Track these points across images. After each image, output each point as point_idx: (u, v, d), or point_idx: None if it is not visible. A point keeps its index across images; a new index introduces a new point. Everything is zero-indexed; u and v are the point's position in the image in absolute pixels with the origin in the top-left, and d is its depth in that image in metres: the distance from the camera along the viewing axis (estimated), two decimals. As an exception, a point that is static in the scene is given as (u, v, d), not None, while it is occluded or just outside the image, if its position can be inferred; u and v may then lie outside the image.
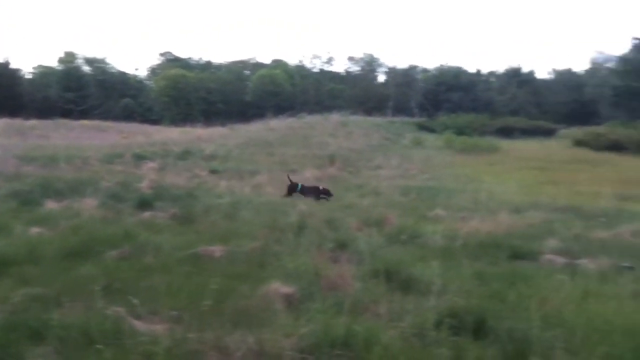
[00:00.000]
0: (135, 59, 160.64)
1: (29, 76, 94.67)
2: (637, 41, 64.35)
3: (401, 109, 78.70)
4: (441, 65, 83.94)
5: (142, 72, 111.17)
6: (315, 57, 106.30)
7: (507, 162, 31.22)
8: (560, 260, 8.63)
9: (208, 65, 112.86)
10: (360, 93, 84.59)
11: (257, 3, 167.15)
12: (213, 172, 20.40)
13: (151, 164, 20.77)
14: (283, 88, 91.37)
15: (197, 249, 7.89)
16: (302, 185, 17.09)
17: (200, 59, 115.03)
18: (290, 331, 4.74)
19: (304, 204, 12.55)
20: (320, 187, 17.13)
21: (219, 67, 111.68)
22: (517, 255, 8.88)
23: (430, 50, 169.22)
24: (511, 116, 60.60)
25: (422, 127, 54.65)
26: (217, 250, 7.89)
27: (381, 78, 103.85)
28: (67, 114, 68.86)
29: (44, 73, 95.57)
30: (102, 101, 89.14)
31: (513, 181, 22.35)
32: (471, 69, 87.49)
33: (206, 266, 7.22)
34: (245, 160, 24.73)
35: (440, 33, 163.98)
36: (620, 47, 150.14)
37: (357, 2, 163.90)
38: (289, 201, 13.22)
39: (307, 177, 20.69)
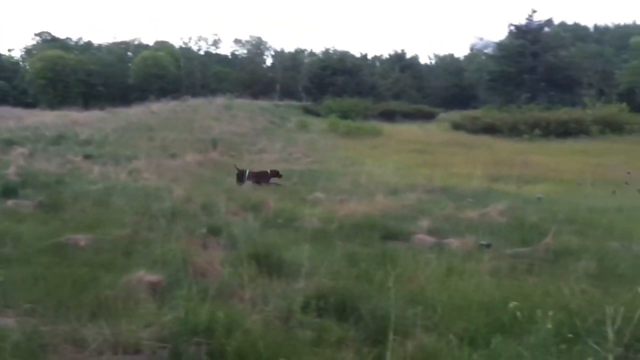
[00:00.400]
0: (9, 39, 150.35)
1: None
2: (513, 27, 67.48)
3: (289, 93, 78.92)
4: (327, 49, 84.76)
5: (17, 53, 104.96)
6: (201, 39, 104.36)
7: (388, 145, 32.00)
8: (430, 239, 8.92)
9: (88, 46, 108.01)
10: (247, 76, 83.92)
11: None
12: (87, 157, 19.56)
13: (20, 150, 19.61)
14: (167, 70, 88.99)
15: (62, 238, 7.52)
16: (250, 172, 16.83)
17: (80, 39, 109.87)
18: (151, 320, 4.60)
19: (180, 188, 12.18)
20: (269, 171, 17.03)
21: (99, 48, 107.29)
22: (389, 235, 9.10)
23: (318, 34, 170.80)
24: (394, 100, 62.11)
25: (307, 111, 55.05)
26: (82, 239, 7.55)
27: (269, 61, 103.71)
28: None
29: None
30: None
31: (393, 164, 22.85)
32: (357, 53, 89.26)
33: (70, 256, 6.90)
34: (124, 145, 23.87)
35: (328, 17, 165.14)
36: (499, 34, 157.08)
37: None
38: (164, 186, 12.79)
39: (187, 161, 20.28)
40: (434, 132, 41.85)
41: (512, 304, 4.61)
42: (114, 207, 9.62)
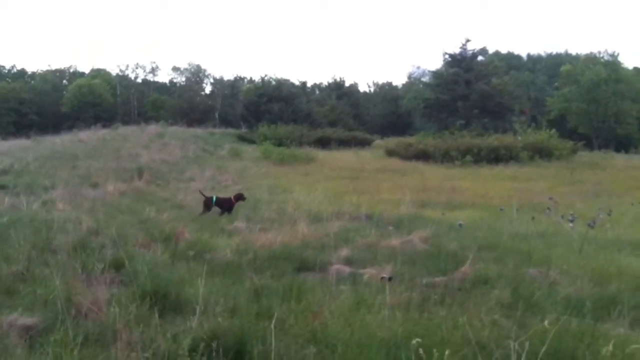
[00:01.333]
0: None
1: None
2: (447, 56, 68.90)
3: (227, 121, 78.48)
4: (263, 77, 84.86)
5: None
6: (139, 66, 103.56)
7: (320, 172, 31.84)
8: (347, 270, 8.59)
9: (22, 73, 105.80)
10: (184, 104, 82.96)
11: (76, 8, 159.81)
12: (1, 187, 18.59)
13: None
14: (103, 99, 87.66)
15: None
16: (217, 198, 16.22)
17: (14, 66, 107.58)
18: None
19: (91, 219, 11.53)
20: (233, 197, 16.41)
21: (33, 76, 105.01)
22: (305, 266, 8.74)
23: (258, 62, 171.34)
24: (330, 127, 62.22)
25: (242, 139, 54.66)
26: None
27: (208, 89, 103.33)
28: None
29: None
30: None
31: (322, 191, 22.58)
32: (297, 81, 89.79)
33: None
34: (44, 175, 22.86)
35: (269, 45, 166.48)
36: (436, 62, 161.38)
37: (185, 13, 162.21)
38: (76, 217, 12.11)
39: (109, 191, 19.49)
40: (368, 158, 41.94)
41: (415, 341, 4.30)
42: (12, 241, 8.92)
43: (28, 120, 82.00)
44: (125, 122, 60.14)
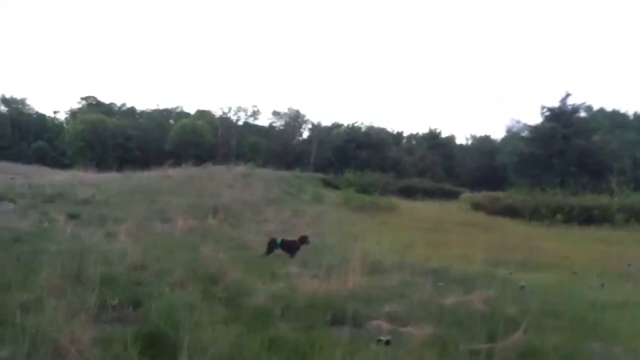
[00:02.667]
0: (56, 102, 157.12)
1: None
2: (546, 110, 66.83)
3: (320, 166, 78.97)
4: (354, 123, 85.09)
5: (62, 116, 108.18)
6: (241, 109, 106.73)
7: (399, 222, 31.02)
8: (387, 326, 7.91)
9: (131, 111, 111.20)
10: (279, 148, 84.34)
11: (185, 52, 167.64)
12: (73, 217, 18.93)
13: (3, 206, 19.06)
14: (204, 139, 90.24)
15: None
16: (282, 240, 15.87)
17: (124, 104, 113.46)
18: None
19: (140, 253, 11.31)
20: (297, 239, 15.99)
21: (142, 114, 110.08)
22: (342, 319, 8.10)
23: (357, 109, 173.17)
24: (418, 177, 61.28)
25: (327, 184, 54.53)
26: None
27: (306, 134, 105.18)
28: None
29: None
30: (14, 143, 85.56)
31: (396, 241, 21.98)
32: (392, 129, 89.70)
33: None
34: (120, 207, 23.25)
35: (370, 93, 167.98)
36: (536, 117, 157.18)
37: (286, 57, 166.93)
38: (129, 249, 11.92)
39: (178, 226, 19.54)
40: (452, 211, 40.73)
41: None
42: (44, 269, 8.76)
43: (132, 156, 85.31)
44: (224, 163, 61.11)
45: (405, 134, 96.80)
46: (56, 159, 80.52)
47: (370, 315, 8.44)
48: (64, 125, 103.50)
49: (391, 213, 35.39)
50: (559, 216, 36.97)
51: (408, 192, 50.86)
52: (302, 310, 8.20)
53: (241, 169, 52.88)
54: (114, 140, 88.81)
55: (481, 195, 48.23)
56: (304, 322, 7.60)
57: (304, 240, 16.03)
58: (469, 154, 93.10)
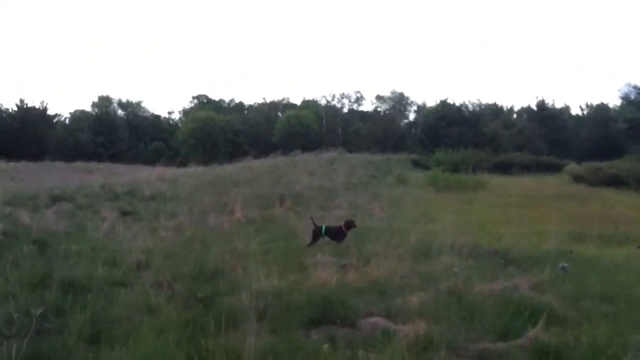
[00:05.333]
0: (170, 102, 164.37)
1: (66, 121, 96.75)
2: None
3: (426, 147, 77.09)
4: (444, 100, 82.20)
5: (176, 115, 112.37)
6: (345, 96, 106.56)
7: (486, 200, 29.02)
8: (383, 324, 6.66)
9: (239, 106, 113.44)
10: (380, 132, 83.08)
11: (288, 44, 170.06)
12: (126, 214, 18.59)
13: (59, 207, 18.93)
14: (310, 128, 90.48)
15: None
16: (327, 228, 14.78)
17: (232, 100, 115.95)
18: None
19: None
20: (343, 225, 14.76)
21: (250, 108, 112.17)
22: (333, 319, 6.93)
23: (463, 86, 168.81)
24: (515, 152, 58.17)
25: (417, 164, 52.70)
26: None
27: (412, 117, 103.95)
28: (96, 157, 68.84)
29: (77, 117, 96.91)
30: (132, 144, 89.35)
31: (473, 220, 20.41)
32: (493, 103, 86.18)
33: None
34: (186, 201, 22.88)
35: (475, 69, 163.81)
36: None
37: (390, 42, 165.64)
38: (141, 247, 11.19)
39: (235, 217, 18.87)
40: (549, 184, 38.08)
41: None
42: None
43: (242, 151, 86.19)
44: (330, 151, 60.40)
45: (515, 108, 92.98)
46: (171, 157, 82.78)
47: (372, 312, 7.18)
48: (178, 124, 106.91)
49: (479, 191, 33.30)
50: (670, 184, 33.70)
51: (503, 168, 48.30)
52: (290, 309, 7.09)
53: (329, 155, 52.10)
54: (223, 136, 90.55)
55: (583, 167, 44.92)
56: (282, 324, 6.50)
57: (349, 225, 14.77)
58: (583, 125, 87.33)
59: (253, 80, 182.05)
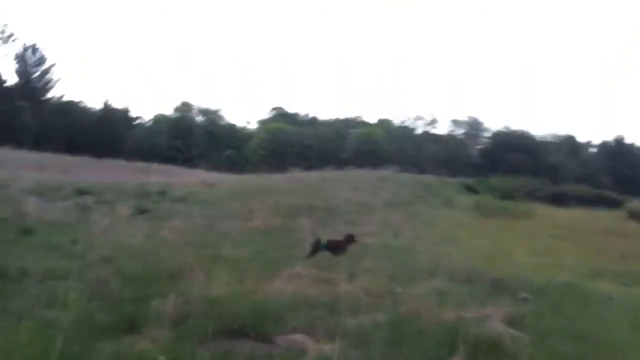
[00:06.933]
0: (249, 113, 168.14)
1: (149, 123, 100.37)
2: None
3: (481, 170, 75.51)
4: (506, 127, 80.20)
5: (253, 126, 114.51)
6: (419, 118, 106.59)
7: (526, 229, 27.85)
8: (300, 342, 6.20)
9: (313, 121, 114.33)
10: (445, 155, 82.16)
11: (360, 62, 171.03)
12: (143, 212, 18.60)
13: (78, 200, 19.12)
14: (380, 147, 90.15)
15: None
16: (328, 241, 14.26)
17: (307, 114, 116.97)
18: None
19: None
20: (343, 239, 14.34)
21: (324, 123, 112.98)
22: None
23: (538, 115, 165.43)
24: (577, 184, 56.06)
25: (469, 188, 51.37)
26: None
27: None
28: (171, 160, 70.56)
29: (158, 120, 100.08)
30: (206, 151, 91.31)
31: (500, 247, 19.62)
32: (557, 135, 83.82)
33: None
34: (214, 205, 22.85)
35: (554, 100, 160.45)
36: None
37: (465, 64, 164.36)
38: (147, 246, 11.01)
39: (252, 225, 18.63)
40: (601, 219, 36.30)
41: None
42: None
43: (310, 165, 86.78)
44: (404, 171, 59.68)
45: (593, 142, 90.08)
46: (243, 166, 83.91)
47: (296, 328, 6.71)
48: (252, 135, 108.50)
49: (521, 220, 32.04)
50: None
51: (559, 199, 46.49)
52: (213, 318, 6.68)
53: (381, 172, 51.40)
54: (293, 149, 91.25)
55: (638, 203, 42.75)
56: (192, 332, 6.11)
57: (349, 239, 14.24)
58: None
59: (328, 97, 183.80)
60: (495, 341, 6.48)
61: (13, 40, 78.13)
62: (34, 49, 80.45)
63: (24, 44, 79.67)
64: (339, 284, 9.80)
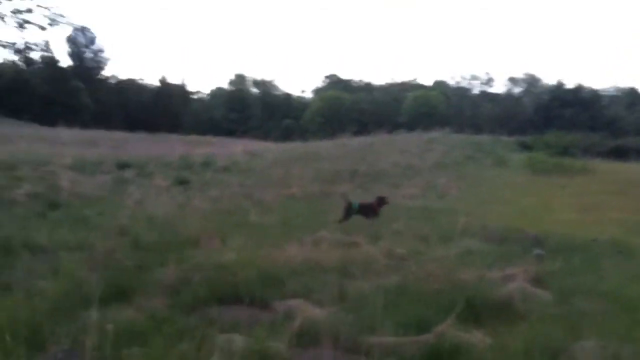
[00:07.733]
0: (304, 81, 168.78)
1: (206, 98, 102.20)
2: None
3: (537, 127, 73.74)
4: (559, 81, 77.56)
5: (308, 95, 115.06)
6: (475, 78, 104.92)
7: (580, 185, 26.79)
8: (298, 307, 5.96)
9: (368, 87, 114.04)
10: (502, 113, 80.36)
11: (418, 26, 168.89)
12: (181, 183, 18.64)
13: (118, 173, 19.30)
14: (437, 109, 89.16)
15: None
16: (360, 204, 14.02)
17: (361, 80, 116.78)
18: None
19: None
20: (375, 201, 14.06)
21: (379, 88, 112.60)
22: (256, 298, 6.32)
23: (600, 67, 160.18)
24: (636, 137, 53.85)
25: (524, 146, 49.89)
26: None
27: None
28: (229, 133, 71.61)
29: (214, 94, 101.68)
30: (263, 122, 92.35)
31: (549, 205, 18.95)
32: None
33: None
34: (255, 174, 22.80)
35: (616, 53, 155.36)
36: None
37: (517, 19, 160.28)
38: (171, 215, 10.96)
39: (290, 192, 18.45)
40: (666, 173, 34.72)
41: None
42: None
43: (366, 130, 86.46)
44: (457, 132, 58.75)
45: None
46: (301, 135, 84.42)
47: (296, 293, 6.49)
48: (308, 103, 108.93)
49: (579, 176, 30.86)
50: None
51: (618, 154, 44.69)
52: (214, 285, 6.54)
53: (431, 134, 50.47)
54: (349, 115, 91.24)
55: None
56: (193, 300, 5.98)
57: (381, 201, 13.90)
58: None
59: (383, 61, 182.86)
60: (505, 301, 6.12)
61: (63, 23, 79.70)
62: (84, 30, 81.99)
63: (74, 26, 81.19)
64: (362, 247, 9.52)
